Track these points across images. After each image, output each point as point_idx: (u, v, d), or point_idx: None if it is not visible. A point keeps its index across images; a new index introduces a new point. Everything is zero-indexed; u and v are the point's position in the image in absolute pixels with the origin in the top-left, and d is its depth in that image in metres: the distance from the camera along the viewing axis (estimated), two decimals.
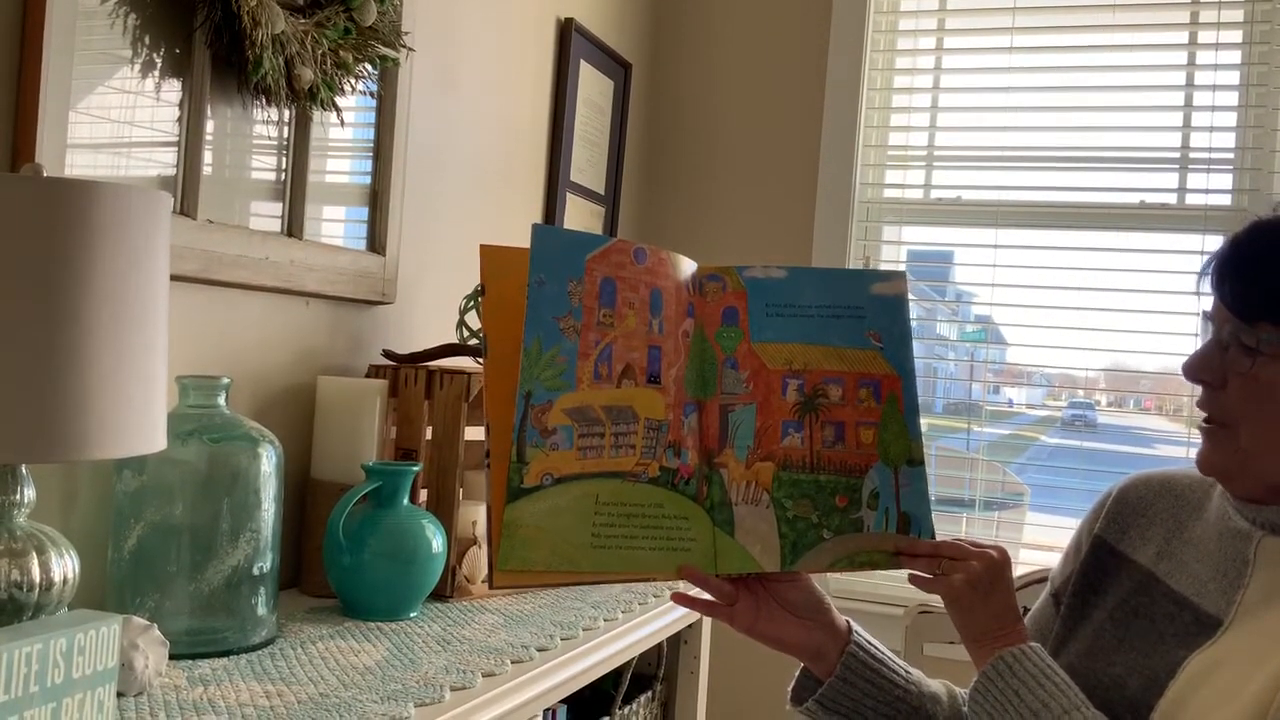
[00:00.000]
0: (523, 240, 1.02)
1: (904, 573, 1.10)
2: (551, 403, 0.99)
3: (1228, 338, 1.03)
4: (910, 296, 1.14)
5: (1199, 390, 1.08)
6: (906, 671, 1.16)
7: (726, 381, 1.08)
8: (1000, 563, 1.07)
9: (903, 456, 1.10)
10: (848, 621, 1.15)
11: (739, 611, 1.10)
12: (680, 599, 1.13)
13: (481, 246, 1.02)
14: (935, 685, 1.18)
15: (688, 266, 1.09)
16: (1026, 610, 1.27)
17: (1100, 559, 1.17)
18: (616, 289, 1.03)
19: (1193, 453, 1.10)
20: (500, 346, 1.00)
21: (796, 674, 1.18)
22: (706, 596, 1.10)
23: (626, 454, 1.02)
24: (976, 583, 1.05)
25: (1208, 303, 1.07)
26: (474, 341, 1.72)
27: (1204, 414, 1.07)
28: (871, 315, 1.12)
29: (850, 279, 1.14)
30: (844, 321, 1.11)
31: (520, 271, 1.00)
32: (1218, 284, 1.05)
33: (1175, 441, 2.60)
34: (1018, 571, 1.67)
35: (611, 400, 1.02)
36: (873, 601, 2.57)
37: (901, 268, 2.77)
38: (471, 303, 1.72)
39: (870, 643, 1.15)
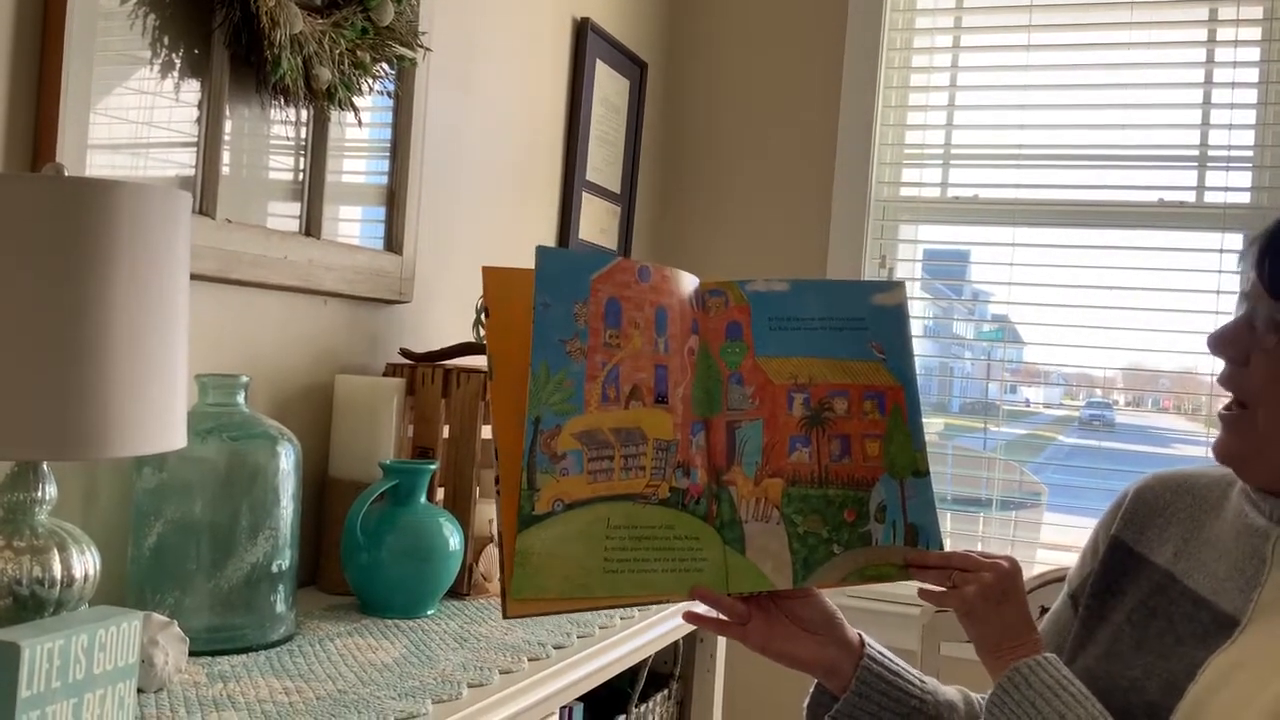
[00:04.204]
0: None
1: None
2: (560, 427, 0.98)
3: (1259, 316, 1.01)
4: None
5: (1220, 389, 1.07)
6: (921, 681, 1.15)
7: (732, 398, 1.07)
8: (1012, 573, 1.06)
9: (908, 468, 1.09)
10: (860, 635, 1.14)
11: (752, 630, 1.10)
12: (693, 618, 1.12)
13: (484, 269, 1.00)
14: (951, 693, 1.17)
15: (690, 282, 1.08)
16: (1045, 610, 1.27)
17: (1118, 560, 1.16)
18: (622, 309, 1.01)
19: (1212, 452, 1.08)
20: (506, 370, 0.98)
21: (811, 690, 1.17)
22: (720, 616, 1.10)
23: (636, 476, 1.01)
24: (989, 594, 1.04)
25: (1248, 282, 1.04)
26: None
27: (1224, 396, 1.05)
28: (873, 326, 1.11)
29: (851, 290, 1.14)
30: (846, 333, 1.10)
31: (525, 294, 0.98)
32: (1258, 262, 1.02)
33: (1194, 441, 2.58)
34: (1035, 571, 1.67)
35: (620, 422, 1.00)
36: (889, 601, 2.55)
37: (915, 269, 2.76)
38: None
39: (884, 655, 1.14)
